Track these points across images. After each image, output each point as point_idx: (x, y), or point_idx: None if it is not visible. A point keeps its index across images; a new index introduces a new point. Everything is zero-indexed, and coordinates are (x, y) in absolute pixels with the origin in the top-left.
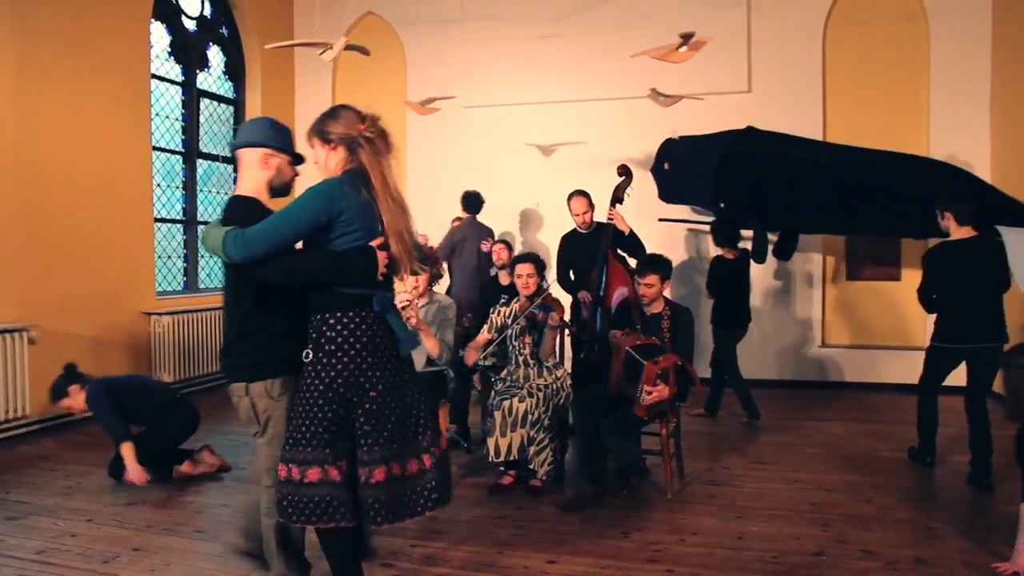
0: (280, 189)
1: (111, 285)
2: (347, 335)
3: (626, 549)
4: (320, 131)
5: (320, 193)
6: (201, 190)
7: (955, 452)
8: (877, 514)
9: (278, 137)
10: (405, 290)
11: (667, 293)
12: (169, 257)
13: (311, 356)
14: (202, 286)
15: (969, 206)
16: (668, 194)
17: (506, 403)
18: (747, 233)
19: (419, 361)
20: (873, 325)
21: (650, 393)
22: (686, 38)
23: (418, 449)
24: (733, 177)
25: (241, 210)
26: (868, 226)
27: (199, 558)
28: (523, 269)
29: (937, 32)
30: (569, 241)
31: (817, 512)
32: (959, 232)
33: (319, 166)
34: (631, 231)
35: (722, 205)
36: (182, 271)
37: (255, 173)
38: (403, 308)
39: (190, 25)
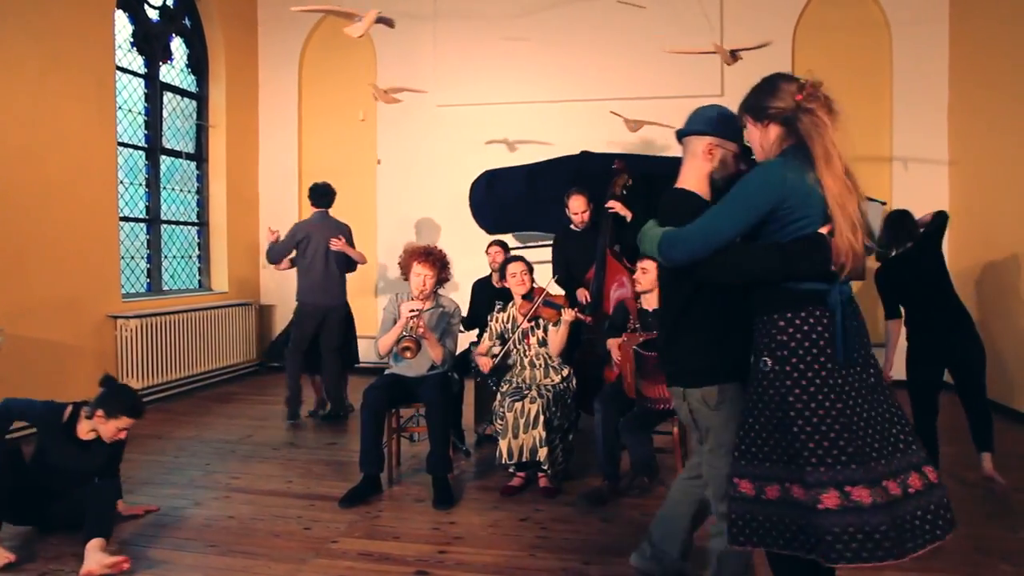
0: (722, 183)
1: (75, 287)
2: (801, 338)
3: None
4: (753, 107)
5: (757, 181)
6: (164, 187)
7: (945, 443)
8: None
9: (725, 127)
10: (412, 297)
11: None
12: (132, 258)
13: (768, 364)
14: (166, 288)
15: None
16: (495, 225)
17: (518, 405)
18: None
19: (422, 367)
20: None
21: None
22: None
23: (914, 462)
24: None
25: (675, 205)
26: None
27: (221, 573)
28: (516, 267)
29: (899, 40)
30: (565, 239)
31: None
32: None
33: (754, 147)
34: (634, 216)
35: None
36: (145, 272)
37: (697, 164)
38: (412, 317)
39: (153, 15)
